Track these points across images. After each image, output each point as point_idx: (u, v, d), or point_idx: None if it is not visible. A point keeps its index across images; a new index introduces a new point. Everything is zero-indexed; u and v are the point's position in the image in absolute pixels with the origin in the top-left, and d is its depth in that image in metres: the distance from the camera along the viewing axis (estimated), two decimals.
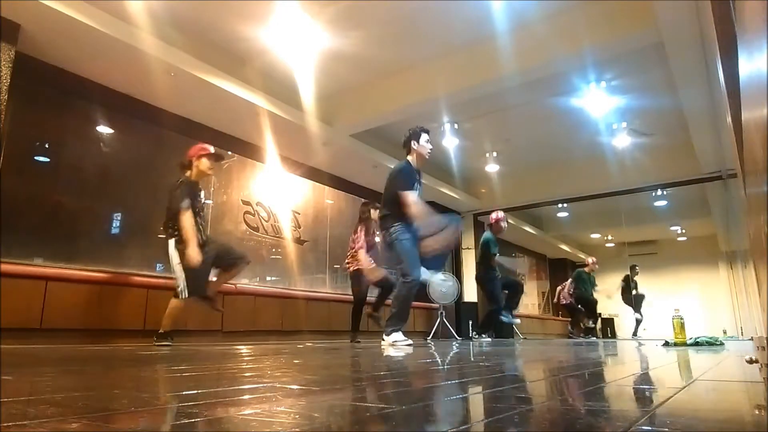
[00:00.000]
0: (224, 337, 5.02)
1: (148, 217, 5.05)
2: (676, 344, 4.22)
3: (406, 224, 3.83)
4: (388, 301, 4.33)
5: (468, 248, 9.67)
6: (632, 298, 9.72)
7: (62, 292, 3.92)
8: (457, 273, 9.52)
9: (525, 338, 7.86)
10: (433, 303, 7.60)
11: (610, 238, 13.09)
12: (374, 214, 5.35)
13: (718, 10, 1.15)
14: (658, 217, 10.87)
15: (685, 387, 1.18)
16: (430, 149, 4.12)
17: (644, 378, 1.50)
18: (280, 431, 0.61)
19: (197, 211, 3.90)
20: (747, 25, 0.74)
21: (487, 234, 6.56)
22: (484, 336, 6.58)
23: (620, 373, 1.71)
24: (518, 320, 6.93)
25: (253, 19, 4.71)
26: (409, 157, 4.04)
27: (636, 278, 9.96)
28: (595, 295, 9.25)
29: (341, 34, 4.96)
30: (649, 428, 0.62)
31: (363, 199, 6.27)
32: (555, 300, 10.61)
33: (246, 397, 0.96)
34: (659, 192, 9.02)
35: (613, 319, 11.95)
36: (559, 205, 10.29)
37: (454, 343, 5.01)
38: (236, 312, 5.15)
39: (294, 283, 6.64)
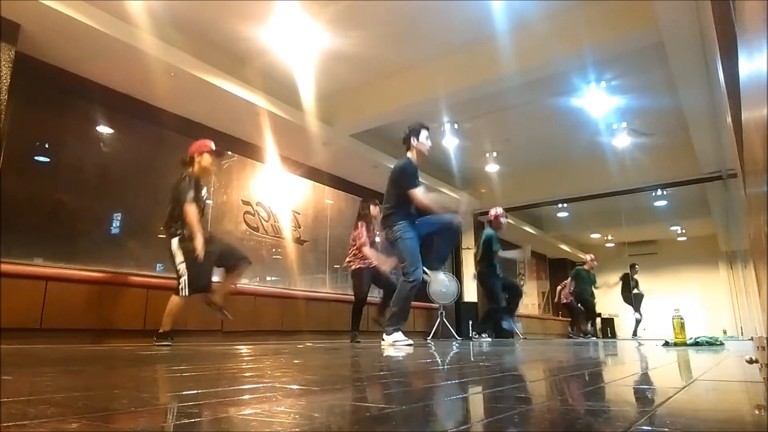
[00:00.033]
0: (224, 337, 5.02)
1: (148, 217, 5.05)
2: (676, 344, 4.22)
3: (410, 222, 3.83)
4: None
5: (468, 248, 9.67)
6: (632, 297, 9.72)
7: (62, 292, 3.92)
8: (457, 273, 9.52)
9: (525, 338, 7.87)
10: (433, 303, 7.60)
11: (610, 238, 13.08)
12: (374, 210, 5.35)
13: (718, 10, 1.15)
14: (658, 217, 10.87)
15: (685, 387, 1.18)
16: (430, 146, 4.11)
17: (644, 378, 1.50)
18: (280, 431, 0.61)
19: (201, 207, 3.91)
20: (747, 25, 0.74)
21: (488, 231, 6.56)
22: (484, 336, 6.58)
23: (620, 373, 1.71)
24: (519, 325, 6.92)
25: (253, 19, 4.71)
26: (408, 154, 4.02)
27: (636, 277, 9.95)
28: (597, 291, 9.27)
29: (341, 34, 4.96)
30: (649, 428, 0.62)
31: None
32: (556, 300, 10.62)
33: (246, 397, 0.96)
34: (659, 192, 9.02)
35: (613, 319, 11.95)
36: (559, 205, 10.28)
37: (454, 343, 5.01)
38: (236, 312, 5.13)
39: (294, 283, 6.64)
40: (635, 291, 9.76)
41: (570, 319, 10.58)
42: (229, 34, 4.94)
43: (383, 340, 3.78)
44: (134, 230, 5.08)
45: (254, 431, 0.63)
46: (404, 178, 3.86)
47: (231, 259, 4.06)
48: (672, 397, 0.95)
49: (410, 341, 3.71)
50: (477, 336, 6.64)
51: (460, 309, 8.88)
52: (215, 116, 5.58)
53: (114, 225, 5.02)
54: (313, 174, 7.27)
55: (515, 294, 6.70)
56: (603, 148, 7.59)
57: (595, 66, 5.53)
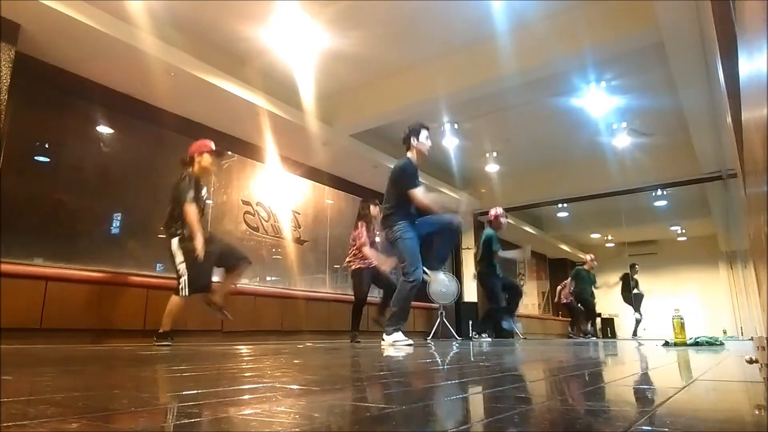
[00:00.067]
0: (224, 337, 5.02)
1: (148, 217, 5.05)
2: (676, 344, 4.22)
3: (410, 222, 3.83)
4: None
5: (468, 248, 9.67)
6: (632, 297, 9.72)
7: (62, 292, 3.92)
8: (457, 273, 9.52)
9: (525, 338, 7.87)
10: (433, 303, 7.60)
11: (610, 238, 13.08)
12: (374, 210, 5.35)
13: (718, 10, 1.15)
14: (658, 217, 10.87)
15: (685, 387, 1.18)
16: (430, 146, 4.11)
17: (644, 378, 1.50)
18: (280, 431, 0.61)
19: (201, 207, 3.91)
20: (747, 25, 0.74)
21: (488, 231, 6.56)
22: (483, 336, 6.58)
23: (620, 373, 1.71)
24: (519, 325, 6.92)
25: (253, 19, 4.71)
26: (408, 154, 4.01)
27: (636, 276, 9.93)
28: (597, 291, 9.27)
29: (341, 34, 4.96)
30: (649, 428, 0.62)
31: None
32: (556, 300, 10.61)
33: (246, 397, 0.96)
34: (659, 192, 9.02)
35: (613, 319, 11.95)
36: (559, 205, 10.29)
37: (454, 343, 5.01)
38: (236, 312, 5.13)
39: (294, 283, 6.64)
40: (635, 291, 9.75)
41: (570, 319, 10.58)
42: (229, 34, 4.94)
43: (383, 340, 3.78)
44: (134, 230, 5.08)
45: (254, 431, 0.63)
46: (404, 178, 3.86)
47: (231, 259, 4.06)
48: (672, 397, 0.95)
49: (410, 341, 3.71)
50: (477, 336, 6.64)
51: (460, 309, 8.88)
52: (215, 116, 5.58)
53: (114, 225, 5.02)
54: (313, 174, 7.27)
55: (515, 294, 6.70)
56: (603, 148, 7.59)
57: (595, 66, 5.53)
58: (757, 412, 0.82)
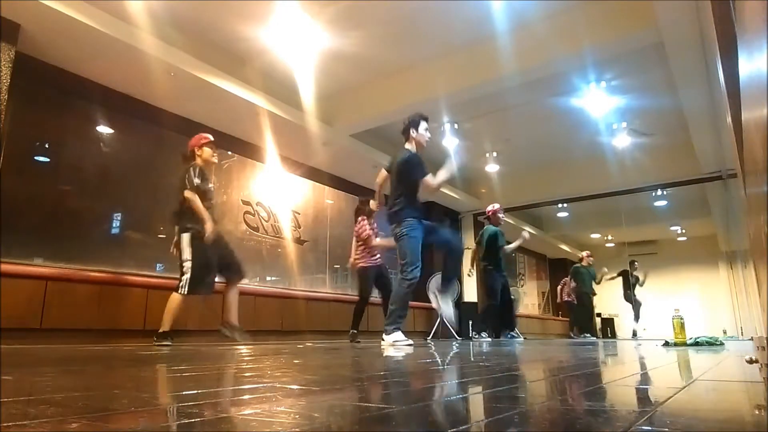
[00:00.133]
0: (224, 337, 5.01)
1: (148, 217, 5.05)
2: (676, 344, 4.22)
3: (418, 219, 3.84)
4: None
5: (468, 248, 9.67)
6: (632, 296, 9.70)
7: (62, 292, 3.92)
8: None
9: (525, 338, 7.86)
10: (432, 303, 7.60)
11: (610, 238, 13.09)
12: (373, 205, 5.34)
13: (718, 10, 1.15)
14: (658, 217, 10.88)
15: (685, 387, 1.18)
16: (429, 137, 4.11)
17: (644, 378, 1.50)
18: (280, 431, 0.61)
19: (210, 198, 3.93)
20: (747, 25, 0.74)
21: (490, 228, 6.56)
22: (483, 335, 6.58)
23: (620, 373, 1.71)
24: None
25: (253, 19, 4.71)
26: (407, 146, 4.02)
27: (636, 273, 9.89)
28: (598, 288, 9.27)
29: (341, 34, 4.96)
30: (649, 428, 0.62)
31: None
32: (558, 300, 10.62)
33: (246, 397, 0.96)
34: (659, 192, 9.03)
35: (612, 319, 11.95)
36: (559, 205, 10.29)
37: (454, 343, 5.01)
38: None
39: (294, 283, 6.64)
40: (635, 298, 9.73)
41: (569, 318, 10.58)
42: (229, 34, 4.94)
43: (383, 340, 3.78)
44: (134, 230, 5.08)
45: (254, 431, 0.63)
46: (413, 168, 3.88)
47: (229, 271, 4.06)
48: (672, 397, 0.95)
49: (410, 341, 3.70)
50: (477, 336, 6.64)
51: (460, 309, 8.87)
52: (215, 116, 5.58)
53: (114, 225, 5.02)
54: (313, 174, 7.27)
55: (509, 308, 6.69)
56: (603, 148, 7.60)
57: (595, 66, 5.53)
58: (757, 412, 0.82)
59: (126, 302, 4.30)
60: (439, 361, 2.23)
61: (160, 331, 3.68)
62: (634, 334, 9.58)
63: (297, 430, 0.62)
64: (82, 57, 4.37)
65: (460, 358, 2.45)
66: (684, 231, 12.50)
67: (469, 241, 9.62)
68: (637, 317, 9.59)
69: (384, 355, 2.71)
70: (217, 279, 4.02)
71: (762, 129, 0.59)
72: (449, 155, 4.14)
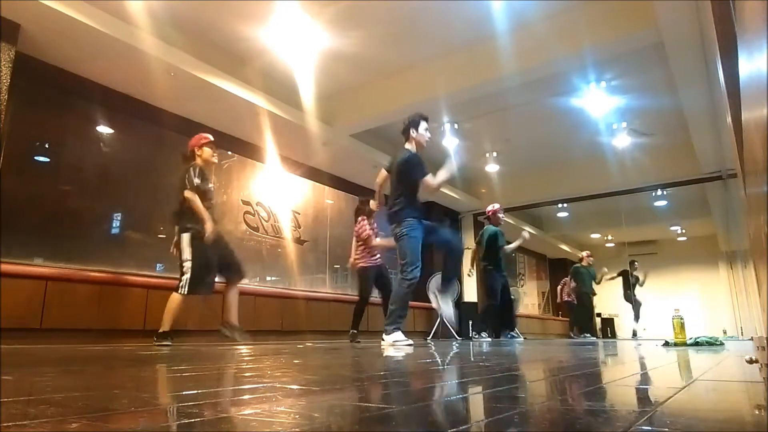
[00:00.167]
0: (224, 337, 5.01)
1: (148, 217, 5.05)
2: (676, 344, 4.21)
3: (419, 220, 3.84)
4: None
5: (468, 248, 9.67)
6: (632, 296, 9.69)
7: (62, 292, 3.92)
8: None
9: (525, 338, 7.87)
10: (432, 303, 7.60)
11: (610, 238, 13.09)
12: (373, 205, 5.34)
13: (718, 10, 1.15)
14: (658, 217, 10.88)
15: (685, 387, 1.18)
16: (429, 137, 4.11)
17: (644, 378, 1.50)
18: (280, 431, 0.61)
19: (210, 198, 3.93)
20: (747, 25, 0.74)
21: (491, 228, 6.57)
22: (483, 335, 6.58)
23: (620, 373, 1.71)
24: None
25: (253, 19, 4.71)
26: (407, 146, 4.02)
27: (636, 273, 9.88)
28: (598, 288, 9.26)
29: (341, 34, 4.96)
30: (649, 428, 0.62)
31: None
32: (558, 300, 10.61)
33: (246, 397, 0.96)
34: (659, 192, 9.02)
35: (613, 319, 11.95)
36: (559, 205, 10.29)
37: (454, 343, 5.01)
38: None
39: (294, 283, 6.64)
40: (635, 298, 9.73)
41: (569, 318, 10.58)
42: (229, 34, 4.94)
43: (383, 340, 3.78)
44: (134, 230, 5.08)
45: (254, 431, 0.63)
46: (412, 168, 3.88)
47: (229, 271, 4.06)
48: (672, 397, 0.95)
49: (410, 341, 3.70)
50: (477, 336, 6.65)
51: (460, 309, 8.87)
52: (215, 116, 5.58)
53: (114, 225, 5.02)
54: (313, 174, 7.27)
55: (509, 308, 6.70)
56: (603, 148, 7.60)
57: (595, 66, 5.53)
58: (757, 412, 0.82)
59: (126, 302, 4.30)
60: (439, 361, 2.23)
61: (160, 331, 3.68)
62: (634, 334, 9.58)
63: (297, 430, 0.62)
64: (82, 57, 4.37)
65: (460, 358, 2.45)
66: (684, 231, 12.50)
67: (469, 241, 9.62)
68: (637, 317, 9.59)
69: (384, 355, 2.71)
70: (217, 279, 4.02)
71: (762, 129, 0.59)
72: (449, 155, 4.13)
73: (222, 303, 4.10)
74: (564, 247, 13.13)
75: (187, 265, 3.72)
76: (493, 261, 6.39)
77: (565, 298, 10.05)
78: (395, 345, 3.62)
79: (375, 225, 5.36)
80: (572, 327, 10.01)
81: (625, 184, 8.34)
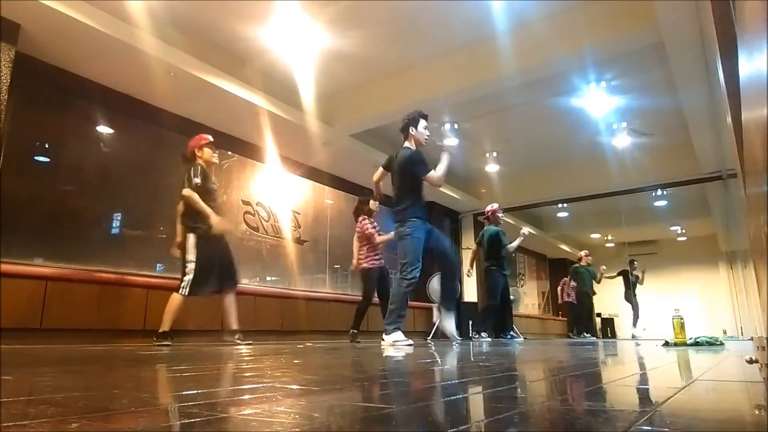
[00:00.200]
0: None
1: (148, 217, 5.04)
2: (676, 344, 4.22)
3: (423, 220, 3.84)
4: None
5: (468, 248, 9.67)
6: (632, 301, 9.68)
7: (62, 292, 3.92)
8: None
9: (525, 338, 7.87)
10: (432, 303, 7.60)
11: (610, 238, 13.09)
12: (373, 204, 5.34)
13: (718, 10, 1.15)
14: (658, 217, 10.88)
15: (685, 387, 1.18)
16: (428, 135, 4.11)
17: (644, 378, 1.50)
18: (280, 431, 0.61)
19: (213, 197, 3.93)
20: (747, 25, 0.74)
21: (491, 228, 6.58)
22: (483, 335, 6.58)
23: (620, 373, 1.71)
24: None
25: (253, 19, 4.71)
26: (407, 144, 4.01)
27: (636, 272, 9.86)
28: (598, 287, 9.26)
29: (341, 34, 4.96)
30: (649, 428, 0.62)
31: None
32: (560, 301, 10.61)
33: (246, 397, 0.96)
34: (659, 192, 9.02)
35: (613, 319, 11.95)
36: (559, 205, 10.29)
37: (454, 343, 5.00)
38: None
39: (294, 283, 6.64)
40: (635, 298, 9.72)
41: (568, 318, 10.57)
42: (229, 34, 4.94)
43: (383, 340, 3.78)
44: (134, 230, 5.08)
45: (254, 431, 0.63)
46: (414, 166, 3.87)
47: (231, 272, 4.05)
48: (672, 397, 0.95)
49: (410, 341, 3.70)
50: (477, 336, 6.64)
51: (460, 309, 8.87)
52: (215, 116, 5.58)
53: (114, 225, 5.02)
54: (313, 174, 7.27)
55: (506, 309, 6.70)
56: (603, 148, 7.60)
57: (595, 66, 5.53)
58: (757, 412, 0.81)
59: (126, 302, 4.30)
60: (439, 361, 2.23)
61: (160, 331, 3.68)
62: (633, 337, 9.57)
63: (297, 430, 0.62)
64: (82, 57, 4.37)
65: (460, 358, 2.45)
66: (684, 231, 12.50)
67: (469, 241, 9.63)
68: (635, 322, 9.56)
69: (384, 355, 2.71)
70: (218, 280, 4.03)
71: (762, 129, 0.59)
72: (444, 147, 4.11)
73: (221, 308, 4.10)
74: (564, 247, 13.13)
75: (191, 266, 3.73)
76: (496, 261, 6.41)
77: (566, 299, 10.04)
78: (395, 345, 3.62)
79: (375, 224, 5.36)
80: (572, 327, 10.00)
81: (625, 184, 8.34)
